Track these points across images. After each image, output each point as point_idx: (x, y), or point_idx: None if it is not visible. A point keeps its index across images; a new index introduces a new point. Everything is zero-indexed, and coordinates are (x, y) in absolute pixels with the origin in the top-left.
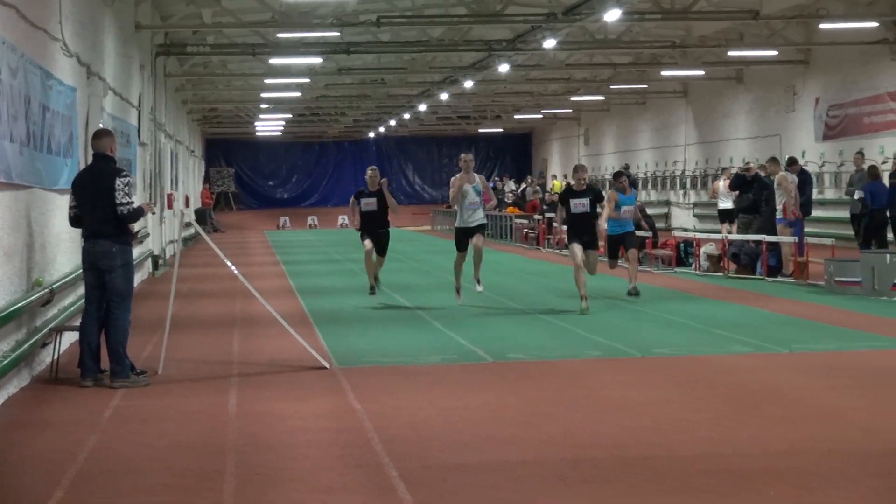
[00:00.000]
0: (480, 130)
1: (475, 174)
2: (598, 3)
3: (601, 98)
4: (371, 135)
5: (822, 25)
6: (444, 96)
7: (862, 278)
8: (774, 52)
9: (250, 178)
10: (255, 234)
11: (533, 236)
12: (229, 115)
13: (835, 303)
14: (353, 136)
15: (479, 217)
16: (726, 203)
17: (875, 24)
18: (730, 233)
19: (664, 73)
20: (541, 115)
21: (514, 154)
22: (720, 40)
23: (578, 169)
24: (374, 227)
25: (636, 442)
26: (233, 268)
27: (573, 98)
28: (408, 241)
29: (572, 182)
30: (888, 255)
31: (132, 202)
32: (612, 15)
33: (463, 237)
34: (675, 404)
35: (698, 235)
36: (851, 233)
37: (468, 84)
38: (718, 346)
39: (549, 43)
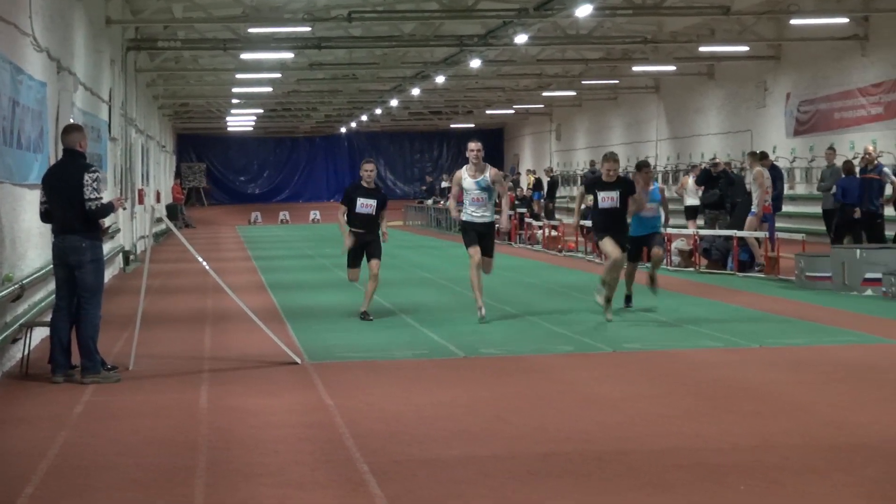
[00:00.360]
0: (452, 126)
1: (488, 166)
2: None
3: (573, 93)
4: (343, 130)
5: (793, 21)
6: (415, 91)
7: (832, 273)
8: (745, 48)
9: (222, 174)
10: (227, 230)
11: (505, 232)
12: (200, 110)
13: (805, 298)
14: (324, 132)
15: (485, 214)
16: (693, 200)
17: (845, 20)
18: (701, 228)
19: (636, 68)
20: (512, 111)
21: (486, 149)
22: (691, 36)
23: (609, 158)
24: (366, 234)
25: (608, 436)
26: (204, 263)
27: (545, 93)
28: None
29: (600, 171)
30: (858, 251)
31: (101, 198)
32: (584, 10)
33: (472, 230)
34: (647, 399)
35: (670, 231)
36: (822, 228)
37: (440, 79)
38: (690, 340)
39: (521, 38)
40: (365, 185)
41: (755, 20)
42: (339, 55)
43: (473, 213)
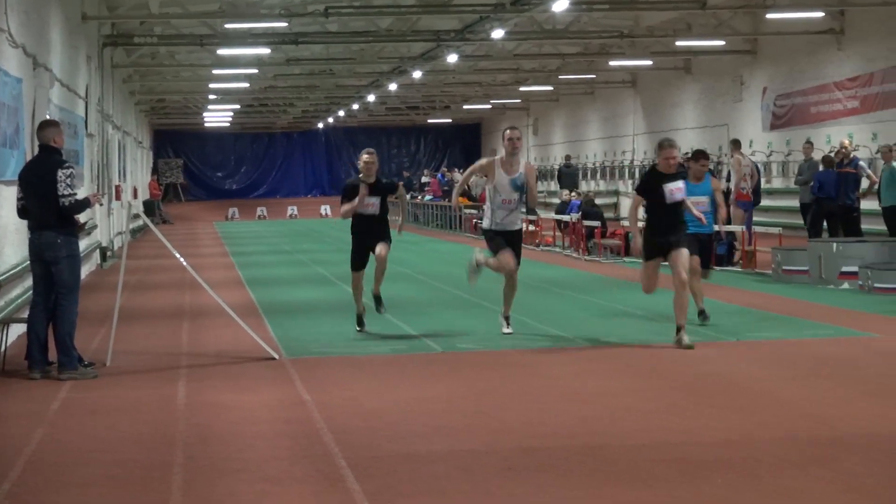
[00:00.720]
0: (429, 121)
1: (521, 160)
2: None
3: (550, 88)
4: (320, 125)
5: (769, 15)
6: (392, 87)
7: (809, 267)
8: (722, 42)
9: (199, 170)
10: (204, 226)
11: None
12: (177, 105)
13: (782, 291)
14: (301, 127)
15: (516, 220)
16: None
17: (821, 14)
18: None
19: (612, 63)
20: (489, 106)
21: (463, 144)
22: (668, 30)
23: (667, 145)
24: (373, 238)
25: (588, 431)
26: (181, 259)
27: (522, 88)
28: None
29: (658, 163)
30: (834, 244)
31: (75, 193)
32: (560, 5)
33: (498, 236)
34: (626, 393)
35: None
36: (800, 222)
37: (417, 74)
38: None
39: (498, 33)
40: (364, 178)
41: (731, 14)
42: (315, 51)
43: (503, 219)
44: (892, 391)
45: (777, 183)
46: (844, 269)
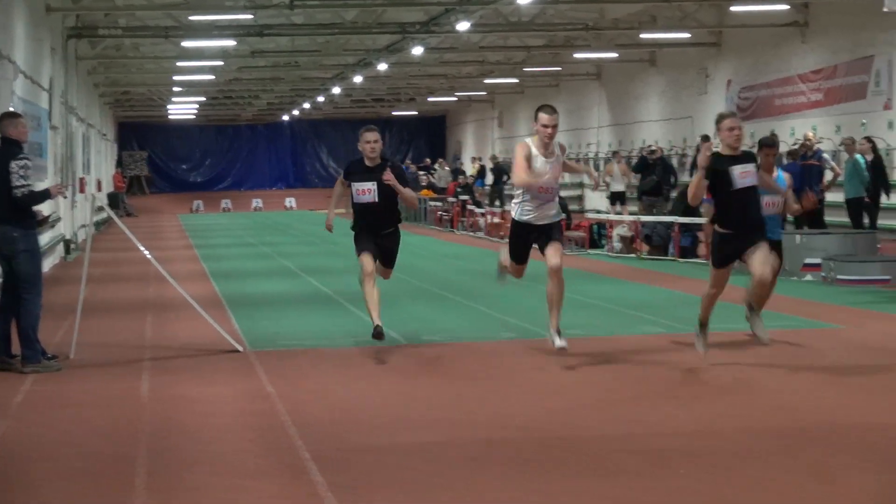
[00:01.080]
0: (394, 113)
1: (558, 144)
2: None
3: (515, 81)
4: (285, 118)
5: (734, 8)
6: (358, 79)
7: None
8: (687, 35)
9: (163, 162)
10: (169, 218)
11: (447, 219)
12: (142, 98)
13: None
14: (266, 120)
15: (553, 213)
16: (618, 186)
17: (785, 7)
18: (619, 213)
19: (577, 55)
20: (455, 98)
21: (429, 137)
22: (633, 23)
23: (727, 117)
24: (377, 228)
25: (552, 423)
26: (145, 252)
27: (487, 81)
28: (322, 223)
29: (717, 144)
30: (798, 236)
31: (29, 185)
32: None
33: (523, 238)
34: (591, 385)
35: (611, 217)
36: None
37: (382, 67)
38: (632, 326)
39: (463, 25)
40: (368, 162)
41: (696, 7)
42: (281, 43)
43: (534, 210)
44: (855, 381)
45: None
46: (808, 260)
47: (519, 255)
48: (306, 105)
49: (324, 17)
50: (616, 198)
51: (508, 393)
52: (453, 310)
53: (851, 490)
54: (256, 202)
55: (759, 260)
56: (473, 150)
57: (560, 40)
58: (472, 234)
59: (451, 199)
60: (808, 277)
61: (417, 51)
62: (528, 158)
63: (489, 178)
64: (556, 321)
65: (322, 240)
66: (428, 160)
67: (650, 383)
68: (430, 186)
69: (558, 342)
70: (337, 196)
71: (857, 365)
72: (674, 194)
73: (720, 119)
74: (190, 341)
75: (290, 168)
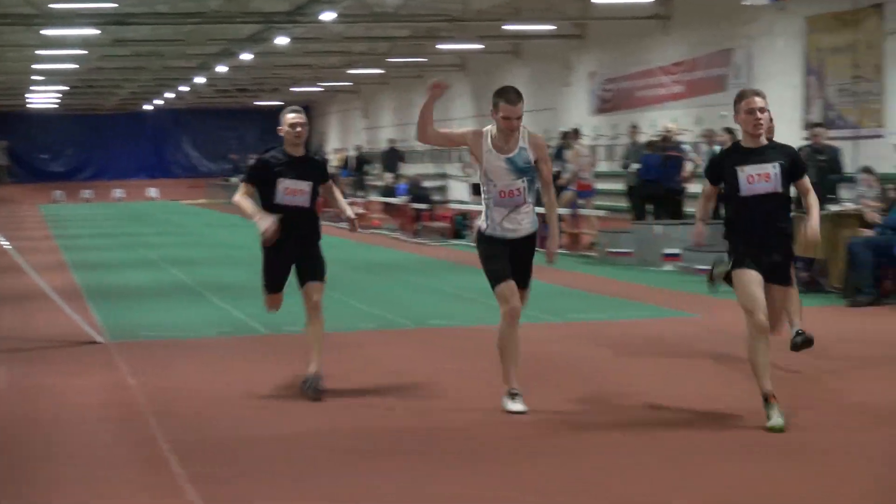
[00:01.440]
0: (258, 103)
1: (528, 133)
2: None
3: (380, 71)
4: (148, 107)
5: (597, 0)
6: (222, 69)
7: (633, 249)
8: (551, 27)
9: (24, 151)
10: (29, 208)
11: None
12: (1, 87)
13: (607, 273)
14: (129, 109)
15: (528, 222)
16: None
17: (648, 0)
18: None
19: (441, 46)
20: (320, 89)
21: None
22: (497, 14)
23: (750, 93)
24: (298, 239)
25: (413, 412)
26: (2, 241)
27: (351, 71)
28: (185, 214)
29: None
30: (657, 227)
31: None
32: None
33: (501, 254)
34: (453, 374)
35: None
36: (625, 204)
37: (246, 56)
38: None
39: (328, 15)
40: (290, 152)
41: None
42: (144, 32)
43: (505, 220)
44: (711, 369)
45: (603, 167)
46: (667, 251)
47: (504, 272)
48: (170, 94)
49: (187, 7)
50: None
51: (371, 383)
52: None
53: (708, 476)
54: (118, 192)
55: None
56: (338, 141)
57: (424, 31)
58: (334, 224)
59: None
60: (668, 267)
61: (282, 41)
62: (476, 150)
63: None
64: (512, 372)
65: (186, 231)
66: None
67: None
68: None
69: (513, 405)
70: (246, 202)
71: (713, 352)
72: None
73: (742, 96)
74: (49, 333)
75: (152, 158)
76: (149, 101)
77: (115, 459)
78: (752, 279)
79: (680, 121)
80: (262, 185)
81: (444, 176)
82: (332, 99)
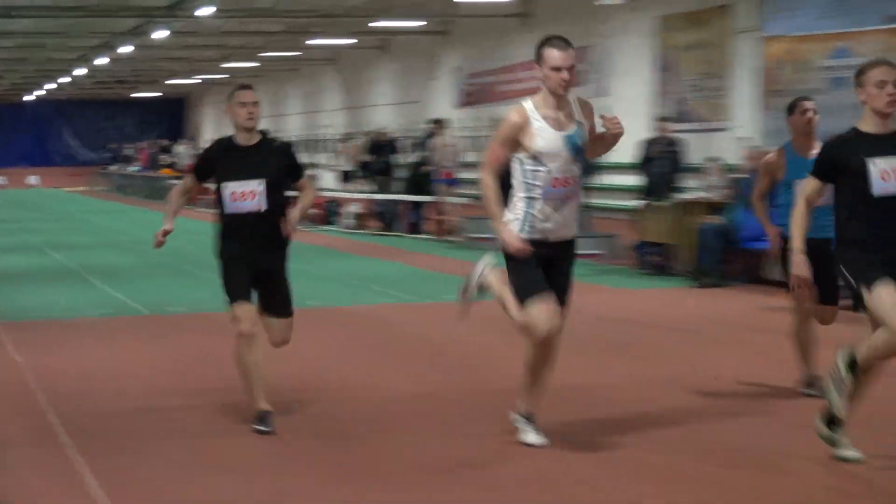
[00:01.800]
0: (136, 95)
1: (580, 101)
2: None
3: (255, 65)
4: (29, 98)
5: None
6: (102, 61)
7: (494, 234)
8: (418, 23)
9: None
10: None
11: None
12: None
13: (470, 257)
14: (11, 100)
15: (570, 217)
16: (349, 165)
17: None
18: (353, 192)
19: (314, 41)
20: (196, 81)
21: (170, 118)
22: (367, 11)
23: (879, 65)
24: (257, 250)
25: (286, 388)
26: None
27: (226, 65)
28: (66, 201)
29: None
30: None
31: None
32: None
33: (537, 266)
34: (327, 354)
35: (344, 195)
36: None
37: (125, 49)
38: (366, 298)
39: (206, 11)
40: (240, 140)
41: None
42: (26, 24)
43: (548, 219)
44: (569, 346)
45: (468, 157)
46: None
47: (539, 285)
48: (51, 85)
49: (69, 1)
50: (348, 177)
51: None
52: (195, 282)
53: (576, 443)
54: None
55: None
56: (213, 131)
57: (298, 27)
58: (208, 210)
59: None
60: None
61: (160, 34)
62: (516, 136)
63: None
64: (535, 394)
65: (69, 217)
66: (167, 140)
67: (385, 351)
68: (171, 165)
69: (531, 437)
70: (179, 202)
71: (571, 331)
72: (403, 174)
73: (876, 65)
74: None
75: (33, 147)
76: (30, 92)
77: (4, 434)
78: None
79: None
80: (210, 180)
81: (315, 165)
82: (208, 91)
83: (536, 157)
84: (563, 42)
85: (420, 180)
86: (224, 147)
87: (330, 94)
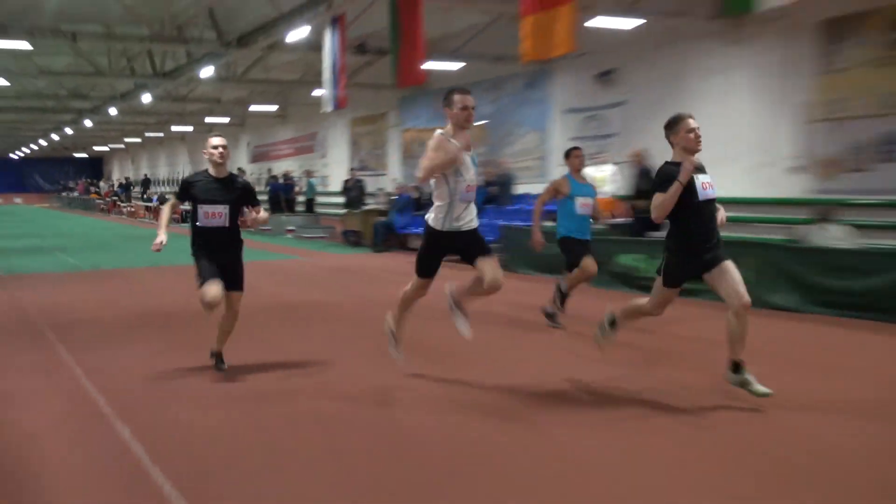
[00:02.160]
0: (76, 154)
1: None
2: None
3: (139, 140)
4: (13, 154)
5: (253, 109)
6: (55, 136)
7: (271, 227)
8: (226, 119)
9: None
10: None
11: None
12: None
13: (265, 239)
14: (2, 156)
15: (472, 215)
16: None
17: (275, 108)
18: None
19: (175, 128)
20: (106, 148)
21: (93, 167)
22: (202, 112)
23: (686, 115)
24: (221, 251)
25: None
26: None
27: (126, 139)
28: (38, 212)
29: (674, 148)
30: (283, 216)
31: None
32: None
33: (439, 251)
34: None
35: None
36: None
37: (68, 130)
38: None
39: (113, 111)
40: (213, 173)
41: None
42: (5, 116)
43: (459, 216)
44: (309, 281)
45: (259, 188)
46: (288, 227)
47: (432, 269)
48: (26, 149)
49: (34, 102)
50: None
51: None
52: (116, 253)
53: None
54: None
55: (734, 285)
56: (118, 175)
57: (164, 119)
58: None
59: None
60: (289, 235)
61: (88, 123)
62: (447, 155)
63: None
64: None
65: (37, 220)
66: (92, 179)
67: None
68: (96, 192)
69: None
70: (168, 215)
71: (307, 273)
72: None
73: (677, 119)
74: None
75: (17, 181)
76: (13, 151)
77: (11, 331)
78: (674, 293)
79: (292, 166)
80: (189, 202)
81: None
82: (114, 153)
83: (458, 170)
84: (465, 91)
85: None
86: (202, 178)
87: (182, 157)
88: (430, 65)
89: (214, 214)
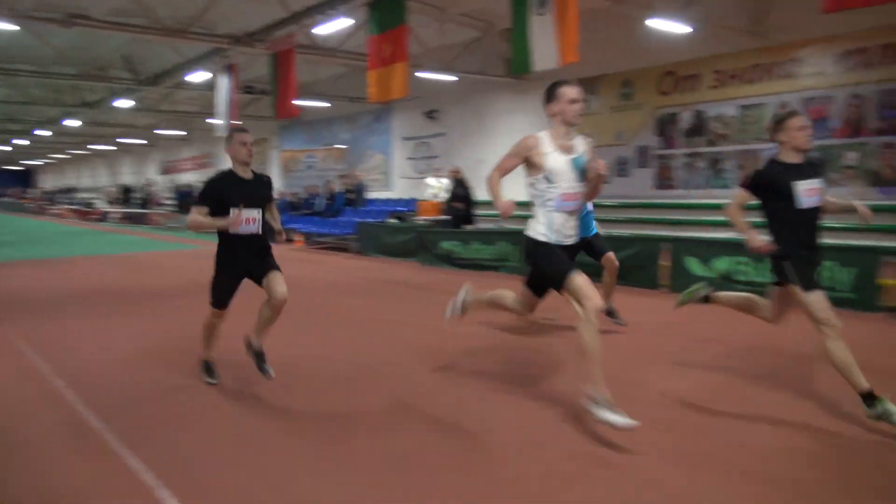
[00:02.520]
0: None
1: (581, 135)
2: None
3: (71, 155)
4: None
5: (158, 132)
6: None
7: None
8: (143, 141)
9: None
10: None
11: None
12: None
13: (183, 234)
14: None
15: (577, 228)
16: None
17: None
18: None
19: (94, 146)
20: (40, 162)
21: (24, 179)
22: (136, 128)
23: (789, 115)
24: (254, 259)
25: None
26: None
27: (57, 155)
28: None
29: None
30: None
31: None
32: None
33: (557, 254)
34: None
35: (110, 209)
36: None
37: (5, 147)
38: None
39: (44, 133)
40: (240, 173)
41: None
42: None
43: (563, 227)
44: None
45: (163, 194)
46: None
47: (569, 266)
48: None
49: None
50: (112, 202)
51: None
52: (66, 246)
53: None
54: None
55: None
56: (51, 184)
57: (113, 134)
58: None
59: None
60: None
61: (23, 142)
62: (529, 156)
63: None
64: (600, 380)
65: None
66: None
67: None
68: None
69: (620, 420)
70: (202, 219)
71: (198, 263)
72: (138, 200)
73: (787, 116)
74: None
75: None
76: None
77: None
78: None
79: (193, 178)
80: (216, 208)
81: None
82: (48, 166)
83: (549, 176)
84: (572, 84)
85: (146, 203)
86: (227, 179)
87: (103, 170)
88: (302, 102)
89: (249, 220)
